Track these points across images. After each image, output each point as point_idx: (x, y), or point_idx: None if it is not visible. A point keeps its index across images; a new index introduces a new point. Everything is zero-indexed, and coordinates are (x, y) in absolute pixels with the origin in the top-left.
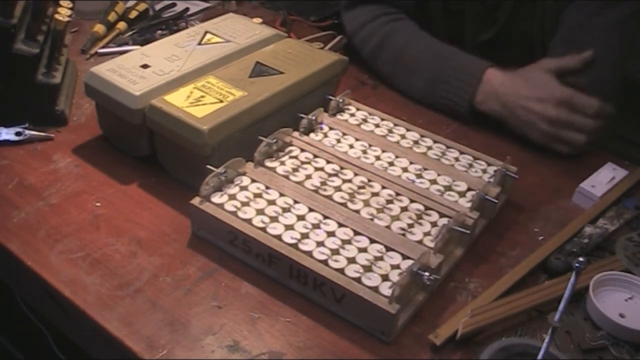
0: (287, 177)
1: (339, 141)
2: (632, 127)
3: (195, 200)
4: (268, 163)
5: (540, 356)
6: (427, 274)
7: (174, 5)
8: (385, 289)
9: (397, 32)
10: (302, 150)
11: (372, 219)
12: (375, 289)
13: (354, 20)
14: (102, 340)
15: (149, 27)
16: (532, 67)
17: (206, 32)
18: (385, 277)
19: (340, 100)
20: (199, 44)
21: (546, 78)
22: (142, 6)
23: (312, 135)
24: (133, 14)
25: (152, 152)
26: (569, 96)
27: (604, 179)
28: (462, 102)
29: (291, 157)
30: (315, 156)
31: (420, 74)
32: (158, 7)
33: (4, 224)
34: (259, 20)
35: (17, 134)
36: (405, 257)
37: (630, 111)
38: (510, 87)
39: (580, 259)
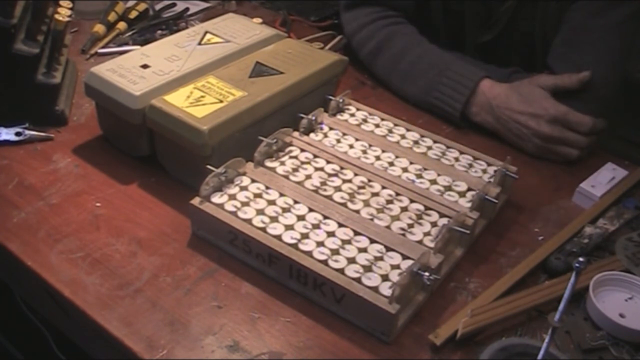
0: (287, 177)
1: (339, 141)
2: (632, 127)
3: (195, 200)
4: (268, 163)
5: (540, 356)
6: (427, 274)
7: (174, 5)
8: (385, 289)
9: (396, 37)
10: (302, 150)
11: (372, 219)
12: (375, 289)
13: (354, 22)
14: (102, 340)
15: (149, 27)
16: (528, 82)
17: (206, 32)
18: (385, 277)
19: (340, 100)
20: (199, 44)
21: (541, 94)
22: (142, 6)
23: (312, 135)
24: (133, 14)
25: (152, 152)
26: (563, 114)
27: (604, 179)
28: (455, 112)
29: (291, 157)
30: (315, 156)
31: (415, 81)
32: (158, 7)
33: (4, 224)
34: (259, 20)
35: (17, 134)
36: (405, 257)
37: (630, 111)
38: (504, 101)
39: (580, 259)
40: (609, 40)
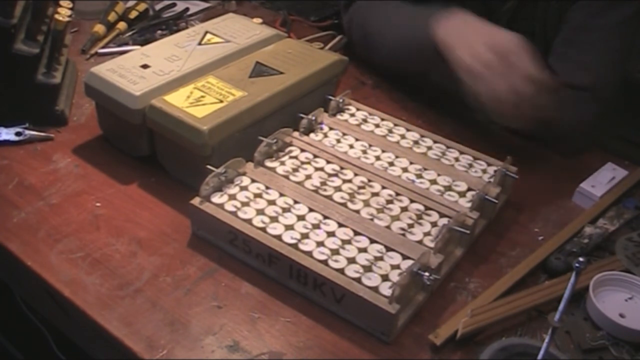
0: (287, 177)
1: (339, 141)
2: (632, 127)
3: (195, 200)
4: (268, 163)
5: (540, 356)
6: (427, 274)
7: (174, 5)
8: (385, 289)
9: (371, 19)
10: (302, 150)
11: (372, 219)
12: (375, 289)
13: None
14: (102, 340)
15: (149, 27)
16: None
17: (206, 32)
18: (385, 277)
19: (340, 100)
20: (199, 44)
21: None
22: (142, 6)
23: (312, 135)
24: (133, 14)
25: (152, 152)
26: (520, 50)
27: (604, 179)
28: (427, 35)
29: (291, 157)
30: (315, 156)
31: (394, 37)
32: (158, 7)
33: (4, 224)
34: (259, 20)
35: (17, 134)
36: (405, 257)
37: (630, 111)
38: (477, 26)
39: (580, 259)
40: (609, 40)
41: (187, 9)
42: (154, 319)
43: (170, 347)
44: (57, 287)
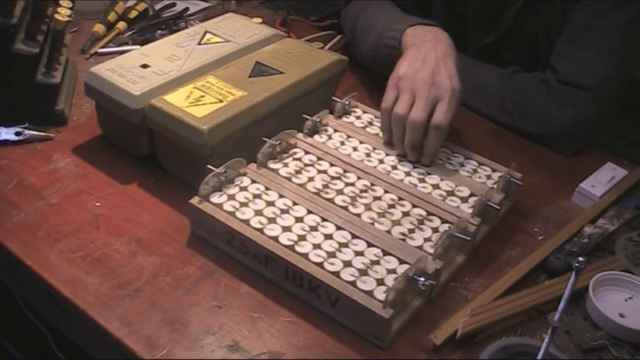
0: (289, 179)
1: (343, 144)
2: (632, 127)
3: (194, 200)
4: (271, 165)
5: (540, 356)
6: (422, 279)
7: (174, 5)
8: (380, 294)
9: (361, 16)
10: (307, 152)
11: (372, 224)
12: (370, 294)
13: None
14: (102, 340)
15: (149, 27)
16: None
17: (206, 32)
18: (381, 282)
19: (347, 102)
20: (199, 44)
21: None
22: (142, 6)
23: (316, 137)
24: (133, 14)
25: (152, 152)
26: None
27: (604, 179)
28: (397, 32)
29: (295, 159)
30: (319, 159)
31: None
32: (158, 7)
33: (4, 224)
34: (259, 20)
35: (17, 134)
36: (402, 262)
37: (630, 111)
38: (438, 52)
39: (580, 259)
40: (613, 41)
41: (187, 9)
42: (154, 319)
43: (170, 347)
44: (57, 287)
